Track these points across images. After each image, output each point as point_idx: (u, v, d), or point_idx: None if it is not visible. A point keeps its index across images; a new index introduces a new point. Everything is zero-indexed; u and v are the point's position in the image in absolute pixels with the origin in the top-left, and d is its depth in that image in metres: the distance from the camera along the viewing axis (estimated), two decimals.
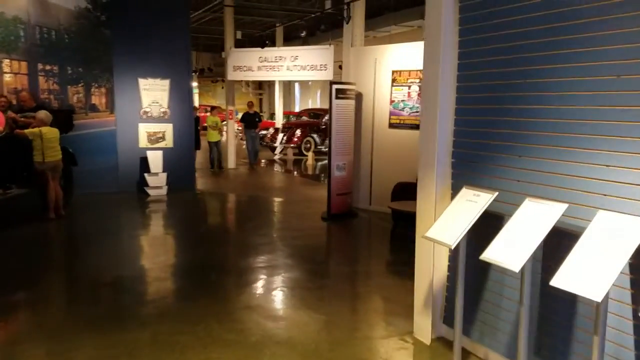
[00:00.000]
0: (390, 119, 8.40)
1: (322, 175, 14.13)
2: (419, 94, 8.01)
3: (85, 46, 9.96)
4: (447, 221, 3.46)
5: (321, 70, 9.63)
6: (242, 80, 31.17)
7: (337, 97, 7.95)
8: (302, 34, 19.63)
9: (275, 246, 6.67)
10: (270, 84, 31.70)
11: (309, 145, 18.38)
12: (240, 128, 18.53)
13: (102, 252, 6.32)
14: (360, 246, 7.23)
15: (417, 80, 8.00)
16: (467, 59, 3.73)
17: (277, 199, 9.93)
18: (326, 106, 25.01)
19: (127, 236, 7.21)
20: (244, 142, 16.01)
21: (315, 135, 18.52)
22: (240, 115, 16.47)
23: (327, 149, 16.67)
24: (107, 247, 6.52)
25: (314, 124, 19.02)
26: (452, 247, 3.26)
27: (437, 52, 3.78)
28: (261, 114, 33.48)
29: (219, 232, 7.76)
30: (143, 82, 10.14)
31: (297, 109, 30.10)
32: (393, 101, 8.33)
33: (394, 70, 8.28)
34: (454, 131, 3.87)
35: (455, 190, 3.75)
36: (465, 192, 3.51)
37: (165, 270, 5.71)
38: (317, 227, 7.86)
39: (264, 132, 19.85)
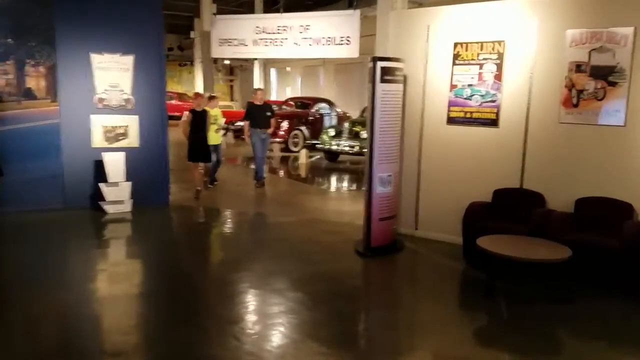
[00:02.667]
0: (449, 111, 6.03)
1: (323, 179, 11.68)
2: (496, 76, 5.67)
3: (17, 9, 7.18)
4: None
5: (342, 44, 7.19)
6: (213, 63, 28.33)
7: (383, 80, 5.52)
8: None
9: (301, 318, 4.16)
10: (244, 68, 28.88)
11: (297, 139, 15.90)
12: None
13: (15, 331, 3.74)
14: (443, 314, 4.49)
15: (494, 56, 5.65)
16: None
17: (281, 219, 7.44)
18: (311, 94, 22.53)
19: (63, 292, 4.59)
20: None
21: (303, 128, 16.04)
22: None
23: (319, 144, 14.40)
24: (29, 316, 3.93)
25: (302, 115, 16.51)
26: None
27: None
28: (234, 102, 30.63)
29: (208, 282, 5.19)
30: (97, 59, 7.45)
31: (273, 97, 27.46)
32: (455, 86, 5.96)
33: (458, 43, 5.90)
34: None
35: None
36: None
37: None
38: (354, 270, 5.47)
39: (238, 124, 17.32)
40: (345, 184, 11.10)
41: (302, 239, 6.40)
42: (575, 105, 5.22)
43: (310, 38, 7.51)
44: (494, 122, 5.72)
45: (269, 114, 9.33)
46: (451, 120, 6.04)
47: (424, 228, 6.36)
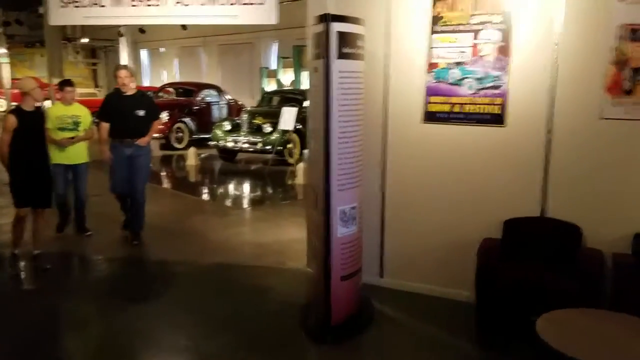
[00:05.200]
0: (427, 103, 4.03)
1: (221, 188, 9.23)
2: (500, 49, 3.76)
3: None
4: None
5: (252, 3, 4.88)
6: (67, 43, 23.83)
7: (341, 55, 3.34)
8: None
9: None
10: (109, 50, 24.85)
11: (181, 134, 13.15)
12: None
13: None
14: None
15: (498, 18, 3.74)
16: None
17: (169, 268, 4.96)
18: (191, 79, 19.55)
19: None
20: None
21: (188, 120, 13.33)
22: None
23: (210, 140, 11.62)
24: None
25: (185, 104, 13.77)
26: None
27: None
28: (98, 89, 25.97)
29: None
30: None
31: (146, 83, 23.93)
32: (435, 66, 3.97)
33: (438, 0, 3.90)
34: None
35: None
36: None
37: None
38: None
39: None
40: (251, 192, 8.79)
41: (208, 313, 4.04)
42: (629, 92, 3.48)
43: None
44: (497, 119, 3.84)
45: (142, 113, 5.33)
46: (430, 117, 4.05)
47: (393, 275, 4.36)
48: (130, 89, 5.37)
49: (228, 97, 14.81)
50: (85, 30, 23.92)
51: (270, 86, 17.72)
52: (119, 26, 15.76)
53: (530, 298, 3.40)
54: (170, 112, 12.92)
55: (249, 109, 12.56)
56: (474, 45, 3.84)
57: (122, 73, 5.32)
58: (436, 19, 3.93)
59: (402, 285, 4.29)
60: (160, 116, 12.66)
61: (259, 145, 10.48)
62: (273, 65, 18.10)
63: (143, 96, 5.76)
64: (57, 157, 5.38)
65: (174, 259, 5.11)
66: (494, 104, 3.82)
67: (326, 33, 3.29)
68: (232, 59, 19.85)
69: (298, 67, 16.52)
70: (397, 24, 4.06)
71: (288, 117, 9.91)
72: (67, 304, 4.19)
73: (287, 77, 17.36)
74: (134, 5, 5.43)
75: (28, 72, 25.21)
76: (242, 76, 19.26)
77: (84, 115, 5.63)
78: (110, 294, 4.41)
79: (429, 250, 4.15)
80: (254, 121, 10.85)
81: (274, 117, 10.61)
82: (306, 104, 11.79)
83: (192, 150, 10.90)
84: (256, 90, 18.07)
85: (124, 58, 15.74)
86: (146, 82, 24.29)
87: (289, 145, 10.51)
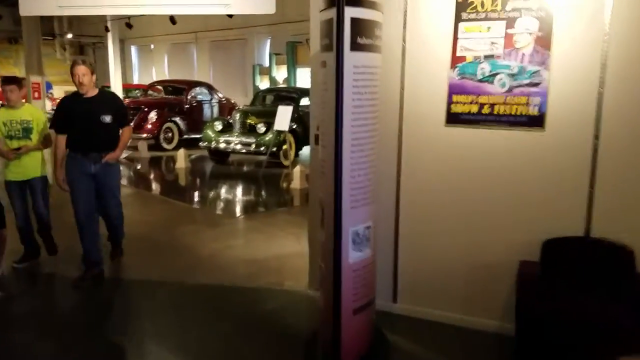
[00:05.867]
0: (451, 102, 3.47)
1: (213, 194, 8.63)
2: (539, 39, 3.20)
3: None
4: None
5: None
6: (53, 39, 23.03)
7: (355, 46, 2.76)
8: None
9: None
10: (97, 47, 24.07)
11: (170, 134, 12.52)
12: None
13: None
14: None
15: (535, 3, 3.18)
16: None
17: (151, 286, 4.38)
18: (181, 76, 18.86)
19: None
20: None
21: (178, 119, 12.71)
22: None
23: (202, 141, 10.83)
24: None
25: (176, 102, 13.13)
26: None
27: None
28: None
29: None
30: None
31: (136, 81, 23.21)
32: (461, 59, 3.41)
33: None
34: None
35: None
36: None
37: None
38: None
39: None
40: (244, 198, 8.20)
41: (194, 351, 3.45)
42: None
43: None
44: (535, 121, 3.28)
45: (108, 118, 4.24)
46: (454, 119, 3.49)
47: (408, 300, 3.79)
48: (90, 89, 4.22)
49: (220, 95, 14.19)
50: (73, 24, 23.18)
51: (263, 83, 17.12)
52: (105, 20, 15.05)
53: (576, 331, 2.88)
54: (159, 111, 12.34)
55: (241, 108, 11.97)
56: (508, 36, 3.28)
57: (79, 70, 4.12)
58: (463, 5, 3.37)
59: (419, 312, 3.73)
60: (149, 115, 12.27)
61: (253, 147, 9.90)
62: (266, 62, 17.48)
63: (108, 97, 4.62)
64: (9, 172, 4.56)
65: (157, 279, 4.51)
66: (532, 104, 3.26)
67: (338, 20, 2.71)
68: (223, 56, 19.21)
69: (292, 64, 15.94)
70: (415, 9, 3.49)
71: (283, 117, 9.31)
72: (13, 341, 3.57)
73: (280, 74, 16.77)
74: None
75: (13, 69, 24.42)
76: (235, 73, 18.63)
77: (37, 119, 4.61)
78: (73, 327, 3.79)
79: (452, 272, 3.60)
80: (247, 121, 10.27)
81: (268, 117, 10.03)
82: (303, 102, 11.26)
83: (181, 152, 10.28)
84: (249, 88, 17.46)
85: (111, 55, 15.04)
86: (135, 80, 23.58)
87: (284, 147, 9.93)
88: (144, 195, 8.17)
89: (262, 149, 9.78)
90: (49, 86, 19.62)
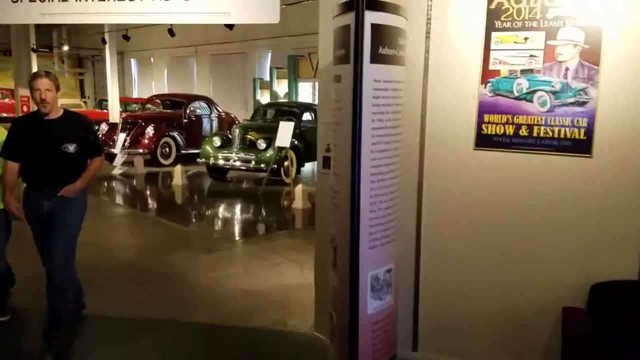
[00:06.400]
0: (481, 123, 3.03)
1: (211, 214, 8.16)
2: (585, 53, 2.77)
3: None
4: None
5: None
6: (51, 51, 22.70)
7: (375, 58, 2.33)
8: None
9: None
10: (96, 59, 23.77)
11: (168, 149, 12.09)
12: None
13: None
14: None
15: (579, 12, 2.75)
16: None
17: (135, 325, 3.86)
18: (180, 90, 18.48)
19: None
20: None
21: (176, 134, 12.27)
22: None
23: (199, 158, 10.18)
24: None
25: (174, 117, 12.72)
26: None
27: None
28: (84, 100, 24.74)
29: None
30: None
31: (135, 94, 22.88)
32: (493, 74, 2.97)
33: None
34: None
35: None
36: None
37: None
38: None
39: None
40: (242, 218, 7.74)
41: None
42: None
43: None
44: (581, 146, 2.83)
45: (72, 148, 3.37)
46: (485, 142, 3.04)
47: (430, 348, 3.30)
48: (54, 109, 3.36)
49: (219, 109, 13.79)
50: (72, 37, 22.91)
51: (263, 98, 16.77)
52: (102, 32, 14.70)
53: None
54: (156, 126, 11.90)
55: (242, 122, 11.55)
56: (549, 48, 2.85)
57: (41, 83, 3.27)
58: (496, 12, 2.94)
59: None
60: (146, 130, 11.82)
61: (253, 163, 9.45)
62: (267, 76, 17.14)
63: (75, 120, 3.54)
64: None
65: (145, 316, 4.02)
66: (577, 127, 2.82)
67: (356, 26, 2.28)
68: (224, 69, 18.88)
69: (293, 78, 15.60)
70: (440, 16, 3.06)
71: (285, 133, 8.86)
72: None
73: (281, 89, 16.43)
74: (101, 0, 4.40)
75: (9, 82, 24.10)
76: (235, 87, 18.28)
77: None
78: None
79: (481, 319, 3.12)
80: (247, 136, 9.83)
81: (269, 132, 9.60)
82: (305, 117, 10.85)
83: (178, 168, 9.81)
84: (249, 102, 17.12)
85: (109, 68, 14.66)
86: (135, 93, 23.26)
87: (286, 163, 9.49)
88: (136, 215, 7.70)
89: (262, 165, 9.33)
90: None
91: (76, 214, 3.49)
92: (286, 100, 14.98)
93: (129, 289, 4.59)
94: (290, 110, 11.22)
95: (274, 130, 9.14)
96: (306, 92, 15.85)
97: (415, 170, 3.19)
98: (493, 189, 3.04)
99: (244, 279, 4.95)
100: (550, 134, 2.89)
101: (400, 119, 2.58)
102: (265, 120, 11.10)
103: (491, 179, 3.04)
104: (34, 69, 18.12)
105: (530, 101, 2.92)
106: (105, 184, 10.16)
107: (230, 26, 9.31)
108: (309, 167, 11.24)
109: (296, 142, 9.67)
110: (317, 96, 15.19)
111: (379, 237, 2.46)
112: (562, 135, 2.87)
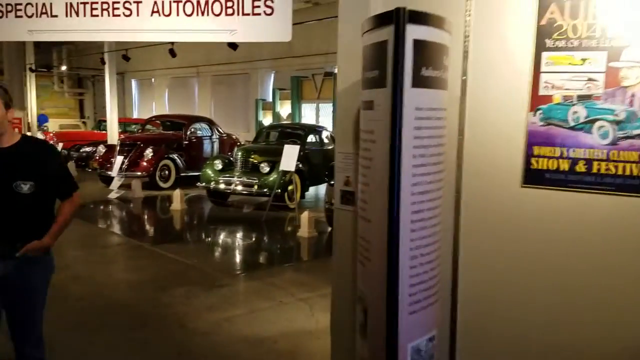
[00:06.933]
0: (531, 156, 2.60)
1: (212, 243, 7.70)
2: None
3: None
4: None
5: (258, 13, 3.47)
6: (51, 71, 22.41)
7: (417, 81, 1.91)
8: None
9: None
10: (96, 80, 23.49)
11: (167, 172, 11.67)
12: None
13: None
14: None
15: None
16: None
17: None
18: (181, 111, 18.10)
19: None
20: None
21: (176, 157, 11.87)
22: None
23: (200, 182, 9.18)
24: None
25: (173, 138, 12.35)
26: None
27: None
28: (83, 120, 24.36)
29: None
30: None
31: (135, 115, 22.55)
32: (545, 99, 2.56)
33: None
34: None
35: None
36: None
37: None
38: None
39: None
40: (245, 248, 7.27)
41: None
42: None
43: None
44: None
45: (27, 187, 2.49)
46: (535, 178, 2.60)
47: None
48: (7, 134, 2.53)
49: (221, 130, 13.42)
50: (72, 55, 22.66)
51: (266, 119, 16.42)
52: (102, 52, 14.39)
53: None
54: (155, 148, 11.52)
55: (244, 145, 11.16)
56: (612, 70, 2.43)
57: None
58: (547, 30, 2.53)
59: None
60: (145, 152, 11.39)
61: (255, 188, 9.03)
62: (269, 97, 16.82)
63: (33, 150, 2.63)
64: None
65: None
66: None
67: (397, 43, 1.87)
68: (226, 90, 18.57)
69: (296, 99, 15.26)
70: (480, 34, 2.65)
71: (290, 157, 8.45)
72: None
73: (284, 110, 16.09)
74: (95, 15, 4.01)
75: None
76: (237, 108, 17.95)
77: None
78: None
79: None
80: (250, 159, 9.43)
81: (272, 155, 9.21)
82: (309, 139, 10.42)
83: (177, 193, 9.36)
84: (252, 124, 16.76)
85: (108, 88, 14.31)
86: (135, 114, 22.93)
87: (290, 187, 9.06)
88: (130, 245, 7.22)
89: (265, 190, 8.91)
90: (44, 119, 18.93)
91: (42, 278, 2.69)
92: (290, 122, 14.63)
93: (116, 338, 4.09)
94: (294, 132, 10.85)
95: (278, 153, 8.74)
96: (309, 114, 15.52)
97: (451, 209, 2.75)
98: (544, 232, 2.59)
99: (247, 322, 4.46)
100: (614, 170, 2.46)
101: (444, 154, 2.15)
102: (268, 143, 10.72)
103: (542, 221, 2.59)
104: (33, 89, 17.85)
105: (589, 132, 2.49)
106: (101, 207, 9.72)
107: (234, 46, 8.96)
108: (313, 191, 10.82)
109: (301, 166, 9.27)
110: (319, 118, 14.87)
111: (420, 298, 2.01)
112: (627, 173, 2.43)
